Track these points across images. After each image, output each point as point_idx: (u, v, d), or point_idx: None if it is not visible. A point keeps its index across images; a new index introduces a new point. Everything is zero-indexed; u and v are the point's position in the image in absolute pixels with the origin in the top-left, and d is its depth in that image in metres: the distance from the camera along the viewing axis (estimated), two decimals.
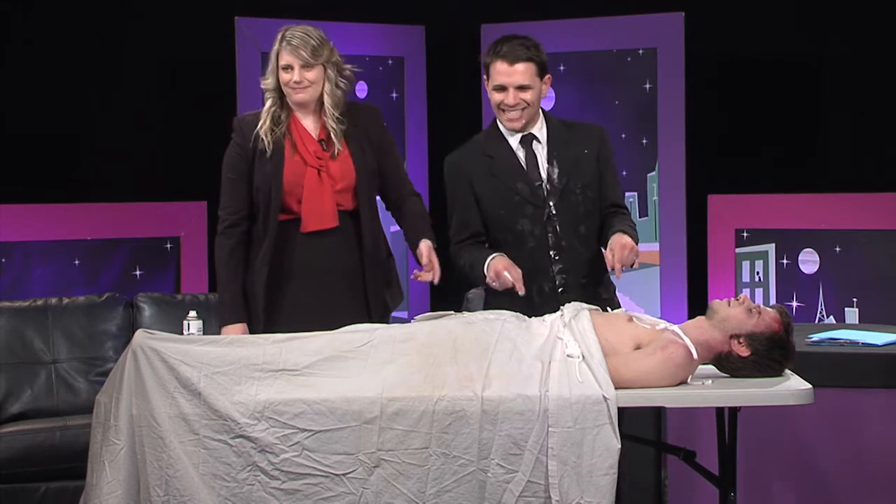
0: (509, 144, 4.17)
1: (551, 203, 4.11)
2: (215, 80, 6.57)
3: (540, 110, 4.18)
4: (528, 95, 4.09)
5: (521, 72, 4.07)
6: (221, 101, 6.41)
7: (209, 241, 6.29)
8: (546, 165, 4.13)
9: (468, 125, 6.85)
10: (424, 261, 4.12)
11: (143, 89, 6.73)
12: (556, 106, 6.62)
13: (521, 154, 4.16)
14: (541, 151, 4.15)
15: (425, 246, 4.13)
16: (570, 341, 3.61)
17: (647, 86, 6.50)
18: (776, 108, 6.69)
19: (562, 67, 6.60)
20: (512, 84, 4.08)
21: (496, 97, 4.11)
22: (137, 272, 6.33)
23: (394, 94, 6.74)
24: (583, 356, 3.56)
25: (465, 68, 6.89)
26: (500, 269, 3.98)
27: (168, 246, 6.39)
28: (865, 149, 6.53)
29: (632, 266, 4.03)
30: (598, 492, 3.43)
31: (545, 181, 4.12)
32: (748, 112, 6.72)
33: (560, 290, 4.10)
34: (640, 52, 6.49)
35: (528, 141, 4.15)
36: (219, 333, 4.19)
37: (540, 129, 4.16)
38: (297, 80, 4.10)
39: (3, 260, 6.10)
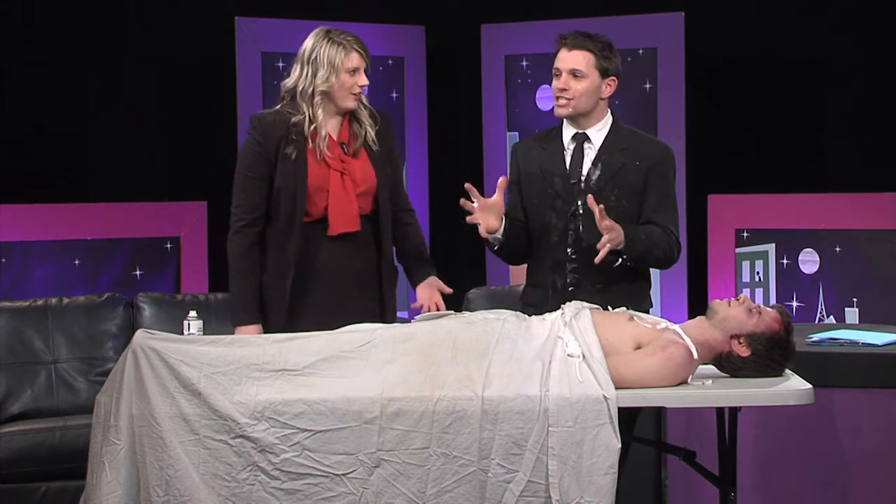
0: (563, 140, 4.18)
1: (580, 202, 4.10)
2: (215, 80, 6.57)
3: (609, 114, 4.18)
4: (579, 85, 4.09)
5: (573, 57, 4.10)
6: (221, 101, 6.41)
7: (209, 241, 6.30)
8: (589, 166, 4.13)
9: (468, 125, 6.86)
10: (427, 302, 4.21)
11: (143, 89, 6.73)
12: None
13: (569, 150, 4.17)
14: (590, 152, 4.15)
15: (427, 285, 4.25)
16: (571, 341, 3.61)
17: (647, 86, 6.49)
18: (776, 108, 6.69)
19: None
20: (565, 68, 4.11)
21: (554, 85, 4.15)
22: (137, 272, 6.33)
23: (394, 94, 6.74)
24: (583, 356, 3.56)
25: (465, 68, 6.89)
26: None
27: (168, 246, 6.39)
28: (865, 149, 6.52)
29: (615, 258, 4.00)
30: (598, 491, 3.43)
31: (583, 180, 4.12)
32: (748, 112, 6.72)
33: (570, 288, 4.09)
34: (640, 52, 6.49)
35: (579, 139, 4.16)
36: (218, 333, 4.19)
37: (597, 132, 4.16)
38: (364, 84, 4.14)
39: (3, 260, 6.10)
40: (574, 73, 4.09)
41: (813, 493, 4.55)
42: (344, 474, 3.48)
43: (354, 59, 4.12)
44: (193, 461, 3.50)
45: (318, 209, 4.14)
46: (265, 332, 4.12)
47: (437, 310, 4.17)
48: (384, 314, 4.21)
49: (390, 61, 6.73)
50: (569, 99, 4.10)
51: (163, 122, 6.79)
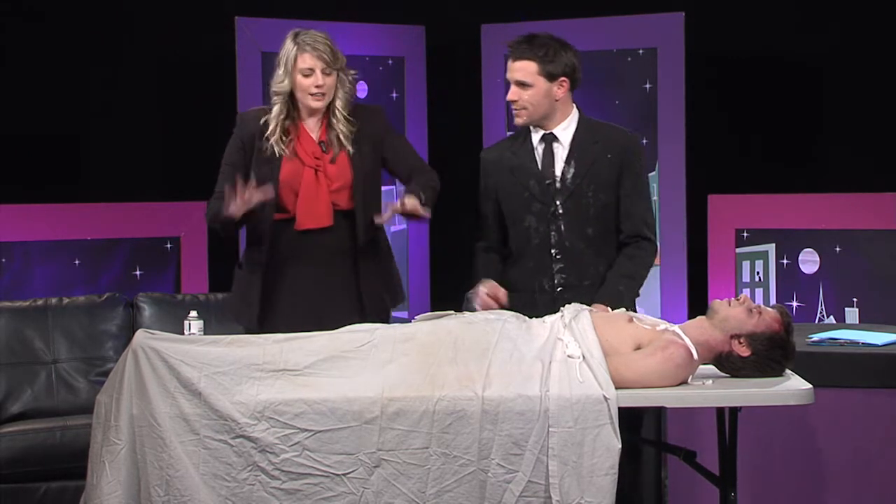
0: (532, 142, 4.19)
1: (558, 202, 4.12)
2: (215, 80, 6.56)
3: (574, 110, 4.18)
4: (527, 94, 4.11)
5: (518, 69, 4.13)
6: (221, 101, 6.40)
7: (209, 241, 6.30)
8: (563, 165, 4.15)
9: (468, 125, 6.86)
10: (397, 207, 4.05)
11: (143, 89, 6.72)
12: None
13: (539, 152, 4.18)
14: (560, 151, 4.17)
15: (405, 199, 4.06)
16: (571, 342, 3.61)
17: (647, 86, 6.49)
18: (776, 108, 6.68)
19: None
20: (511, 80, 4.15)
21: (507, 96, 4.18)
22: (137, 272, 6.32)
23: (394, 94, 6.74)
24: (583, 356, 3.56)
25: (465, 68, 6.88)
26: (482, 295, 4.09)
27: (168, 246, 6.39)
28: (865, 149, 6.52)
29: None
30: (598, 492, 3.43)
31: (557, 180, 4.13)
32: (748, 112, 6.71)
33: (559, 289, 4.12)
34: (640, 52, 6.49)
35: (547, 140, 4.18)
36: (219, 333, 4.18)
37: (564, 130, 4.17)
38: (320, 85, 4.09)
39: (3, 260, 6.10)
40: (520, 84, 4.12)
41: (813, 493, 4.55)
42: (344, 474, 3.48)
43: (306, 60, 4.10)
44: (194, 461, 3.50)
45: (291, 205, 4.14)
46: (243, 332, 4.11)
47: (404, 209, 4.04)
48: (363, 311, 4.19)
49: (390, 61, 6.73)
50: (521, 108, 4.13)
51: (163, 122, 6.78)
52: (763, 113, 6.70)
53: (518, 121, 4.18)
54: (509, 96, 4.14)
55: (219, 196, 4.19)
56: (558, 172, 4.15)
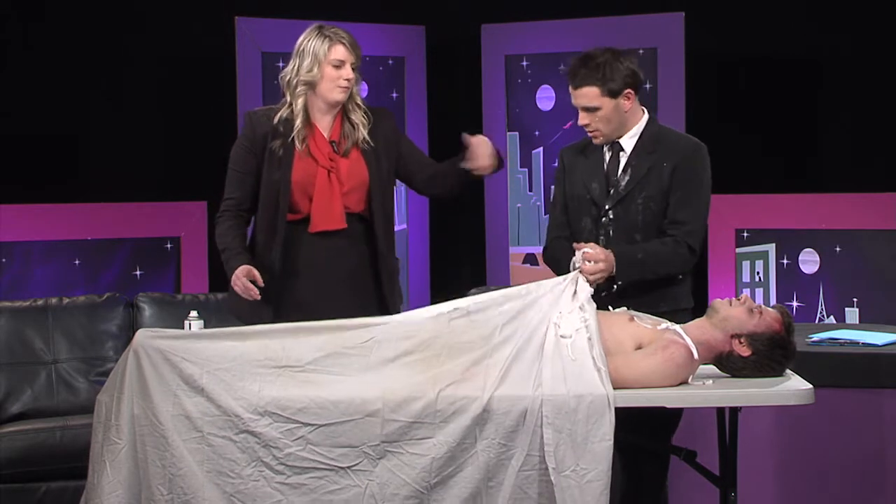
0: (603, 148, 4.21)
1: (607, 207, 4.12)
2: (215, 80, 6.57)
3: (643, 116, 4.19)
4: (597, 116, 4.10)
5: (581, 95, 4.11)
6: (221, 101, 6.41)
7: (209, 241, 6.29)
8: (621, 172, 4.15)
9: (468, 125, 6.85)
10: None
11: (143, 89, 6.72)
12: (555, 106, 6.61)
13: (606, 158, 4.19)
14: (623, 159, 4.17)
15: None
16: (564, 320, 3.62)
17: (647, 86, 6.48)
18: (776, 108, 6.68)
19: (562, 67, 6.59)
20: (578, 106, 4.13)
21: (578, 121, 4.17)
22: (137, 272, 6.32)
23: (394, 94, 6.74)
24: (573, 335, 3.57)
25: (465, 68, 6.88)
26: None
27: (168, 246, 6.39)
28: (865, 149, 6.52)
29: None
30: (594, 459, 3.43)
31: (614, 187, 4.13)
32: (748, 112, 6.71)
33: (603, 293, 4.04)
34: (640, 52, 6.48)
35: (615, 149, 4.18)
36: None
37: (630, 138, 4.17)
38: (348, 78, 4.12)
39: (3, 260, 6.10)
40: (586, 109, 4.11)
41: (812, 493, 4.55)
42: (349, 467, 3.49)
43: (339, 52, 4.12)
44: (197, 459, 3.51)
45: (304, 206, 4.14)
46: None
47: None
48: (384, 312, 4.18)
49: (390, 61, 6.73)
50: (594, 131, 4.13)
51: (163, 122, 6.78)
52: (763, 113, 6.70)
53: (596, 142, 4.17)
54: (580, 121, 4.13)
55: (229, 208, 4.17)
56: (616, 179, 4.15)
